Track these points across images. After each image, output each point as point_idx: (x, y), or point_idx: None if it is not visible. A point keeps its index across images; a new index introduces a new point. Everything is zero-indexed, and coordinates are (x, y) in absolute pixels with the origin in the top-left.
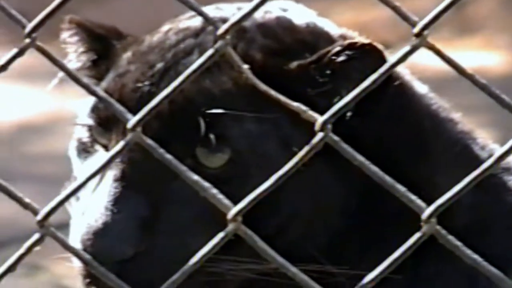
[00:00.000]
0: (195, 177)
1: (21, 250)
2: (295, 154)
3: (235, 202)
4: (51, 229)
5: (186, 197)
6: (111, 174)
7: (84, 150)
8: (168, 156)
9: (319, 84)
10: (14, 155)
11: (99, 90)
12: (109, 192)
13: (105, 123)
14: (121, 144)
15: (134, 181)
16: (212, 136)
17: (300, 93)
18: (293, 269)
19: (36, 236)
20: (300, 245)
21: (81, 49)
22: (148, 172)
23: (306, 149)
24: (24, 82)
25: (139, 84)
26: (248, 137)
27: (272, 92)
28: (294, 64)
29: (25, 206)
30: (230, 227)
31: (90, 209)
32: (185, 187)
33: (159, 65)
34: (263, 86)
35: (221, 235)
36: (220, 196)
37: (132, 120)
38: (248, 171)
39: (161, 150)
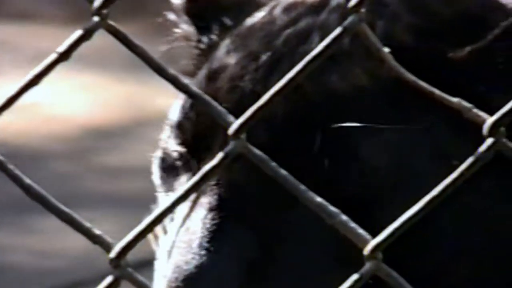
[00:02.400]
0: (318, 199)
1: None
2: (455, 168)
3: (373, 235)
4: (128, 269)
5: (307, 231)
6: (206, 201)
7: (172, 169)
8: (283, 172)
9: (496, 76)
10: (82, 168)
11: (191, 85)
12: (204, 225)
13: (194, 143)
14: (220, 155)
15: (237, 211)
16: (326, 162)
17: (467, 90)
18: None
19: (109, 279)
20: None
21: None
22: (254, 199)
23: (469, 160)
24: (93, 72)
25: (239, 83)
26: (387, 151)
27: (424, 85)
28: (464, 50)
29: (94, 239)
30: (368, 266)
31: (178, 247)
32: (306, 218)
33: (265, 57)
34: (411, 77)
35: (354, 277)
36: (353, 225)
37: (235, 123)
38: (388, 194)
39: (274, 164)
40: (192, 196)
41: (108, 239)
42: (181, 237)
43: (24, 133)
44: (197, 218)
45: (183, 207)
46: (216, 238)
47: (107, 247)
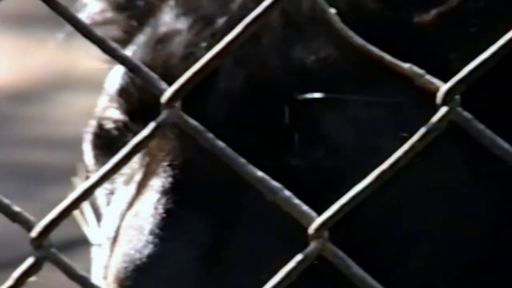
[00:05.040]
0: (259, 173)
1: (10, 281)
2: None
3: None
4: (52, 250)
5: (262, 214)
6: (157, 184)
7: (109, 144)
8: (220, 144)
9: (468, 42)
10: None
11: (118, 48)
12: (156, 210)
13: (138, 113)
14: (152, 125)
15: (191, 194)
16: (296, 135)
17: (438, 58)
18: None
19: (30, 260)
20: (424, 279)
21: None
22: (209, 181)
23: (421, 131)
24: (15, 32)
25: (193, 49)
26: (352, 127)
27: (374, 49)
28: (430, 14)
29: (14, 217)
30: (312, 245)
31: (126, 234)
32: (261, 201)
33: (221, 21)
34: (360, 41)
35: (298, 257)
36: (297, 201)
37: (168, 91)
38: (349, 174)
39: (210, 135)
40: (138, 177)
41: (29, 216)
42: (129, 222)
43: None
44: (147, 202)
45: (128, 190)
46: (169, 224)
47: (28, 226)
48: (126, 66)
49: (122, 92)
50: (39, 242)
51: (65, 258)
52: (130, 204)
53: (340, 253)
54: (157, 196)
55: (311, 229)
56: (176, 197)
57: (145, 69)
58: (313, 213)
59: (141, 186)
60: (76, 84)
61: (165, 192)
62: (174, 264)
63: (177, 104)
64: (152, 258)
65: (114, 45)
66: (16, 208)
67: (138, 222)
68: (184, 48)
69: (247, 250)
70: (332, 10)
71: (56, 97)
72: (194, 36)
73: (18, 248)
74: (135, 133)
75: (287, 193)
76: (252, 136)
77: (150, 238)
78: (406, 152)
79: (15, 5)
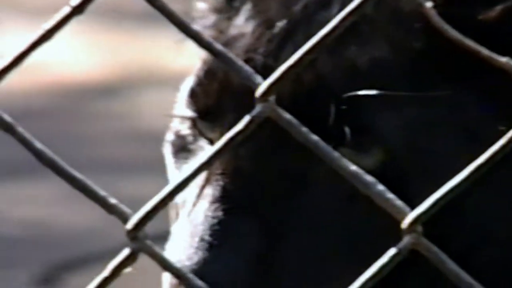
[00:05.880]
0: (353, 167)
1: (106, 272)
2: (486, 148)
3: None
4: (147, 242)
5: (314, 218)
6: (209, 193)
7: (184, 147)
8: (314, 138)
9: None
10: (95, 131)
11: (215, 43)
12: (206, 218)
13: (208, 112)
14: (246, 119)
15: (241, 201)
16: (347, 130)
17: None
18: None
19: (125, 251)
20: (496, 272)
21: None
22: (260, 187)
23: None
24: (107, 27)
25: (253, 55)
26: (408, 128)
27: (470, 43)
28: (495, 10)
29: (110, 209)
30: (406, 240)
31: (180, 241)
32: (313, 205)
33: (280, 25)
34: (456, 34)
35: (392, 252)
36: (391, 196)
37: (263, 84)
38: (411, 176)
39: (305, 129)
40: (199, 183)
41: (125, 208)
42: (183, 229)
43: (33, 94)
44: (199, 210)
45: (193, 195)
46: (219, 232)
47: (124, 218)
48: (222, 60)
49: (192, 93)
50: (135, 233)
51: (160, 250)
52: (189, 211)
53: (434, 248)
54: (207, 204)
55: (405, 224)
56: (225, 205)
57: (241, 62)
58: (407, 208)
59: (198, 195)
60: (166, 79)
61: (215, 201)
62: (224, 270)
63: (271, 98)
64: (201, 264)
65: (210, 39)
66: (112, 200)
67: (190, 229)
68: (244, 53)
69: (297, 256)
70: (429, 4)
71: (146, 92)
72: (255, 40)
73: (111, 239)
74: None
75: (381, 187)
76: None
77: (200, 245)
78: (503, 146)
79: (109, 0)
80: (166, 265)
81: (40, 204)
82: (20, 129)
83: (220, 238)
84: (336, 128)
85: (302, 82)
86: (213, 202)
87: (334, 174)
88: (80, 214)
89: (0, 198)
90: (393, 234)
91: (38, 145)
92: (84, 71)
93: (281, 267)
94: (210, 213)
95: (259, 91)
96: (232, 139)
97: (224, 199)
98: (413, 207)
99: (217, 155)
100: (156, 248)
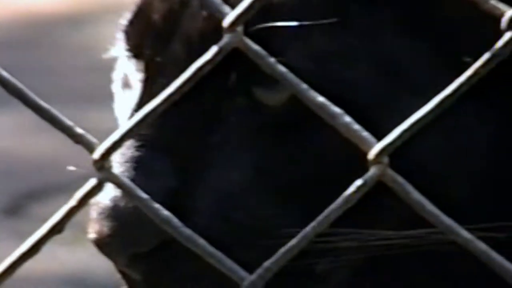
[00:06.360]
0: (320, 98)
1: (72, 202)
2: (467, 66)
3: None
4: (113, 172)
5: (228, 155)
6: None
7: (127, 84)
8: (282, 69)
9: None
10: (58, 61)
11: None
12: (122, 155)
13: (136, 51)
14: (214, 50)
15: (157, 139)
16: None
17: None
18: (465, 233)
19: (92, 182)
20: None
21: None
22: (176, 124)
23: (485, 57)
24: None
25: None
26: (318, 59)
27: None
28: None
29: (76, 138)
30: (372, 171)
31: None
32: (226, 142)
33: None
34: None
35: (358, 183)
36: (357, 127)
37: (231, 14)
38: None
39: (272, 60)
40: None
41: (92, 138)
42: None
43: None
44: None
45: None
46: (134, 169)
47: (91, 148)
48: None
49: (124, 33)
50: (101, 163)
51: (127, 180)
52: None
53: (400, 178)
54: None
55: (371, 155)
56: (140, 142)
57: None
58: (373, 139)
59: None
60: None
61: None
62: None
63: (239, 28)
64: (113, 202)
65: None
66: (79, 130)
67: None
68: None
69: (212, 191)
70: None
71: (106, 22)
72: None
73: (76, 169)
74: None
75: (348, 118)
76: (223, 76)
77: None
78: (469, 78)
79: None
80: (133, 195)
81: (5, 134)
82: None
83: (134, 176)
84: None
85: (212, 18)
86: (131, 140)
87: (245, 108)
88: (45, 144)
89: None
90: (300, 167)
91: (4, 74)
92: (48, 2)
93: (195, 203)
94: (125, 151)
95: (226, 21)
96: (200, 69)
97: (140, 137)
98: (321, 137)
99: (185, 85)
100: (123, 178)
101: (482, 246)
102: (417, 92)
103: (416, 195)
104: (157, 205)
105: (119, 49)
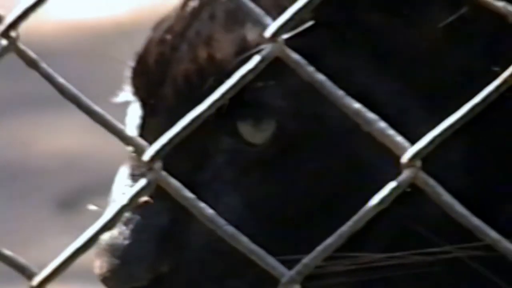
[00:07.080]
0: (357, 105)
1: (123, 201)
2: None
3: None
4: (163, 173)
5: (218, 192)
6: (126, 171)
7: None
8: (320, 77)
9: None
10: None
11: None
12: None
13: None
14: (256, 59)
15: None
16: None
17: None
18: (493, 234)
19: (142, 182)
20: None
21: None
22: (168, 165)
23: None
24: None
25: (167, 36)
26: (292, 96)
27: None
28: None
29: (127, 141)
30: (405, 174)
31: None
32: (216, 178)
33: (193, 2)
34: None
35: (392, 185)
36: (391, 132)
37: (273, 25)
38: (301, 143)
39: (311, 68)
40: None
41: (142, 141)
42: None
43: (51, 35)
44: (119, 186)
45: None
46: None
47: (141, 150)
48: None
49: (130, 75)
50: (151, 165)
51: (175, 181)
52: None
53: (432, 181)
54: (124, 181)
55: (405, 158)
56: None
57: (251, 4)
58: (407, 143)
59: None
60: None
61: (127, 177)
62: (137, 249)
63: (281, 38)
64: (118, 240)
65: None
66: (130, 133)
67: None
68: (163, 33)
69: (201, 228)
70: None
71: None
72: (173, 21)
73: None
74: None
75: (383, 124)
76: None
77: (124, 222)
78: (498, 87)
79: None
80: (180, 196)
81: (64, 133)
82: (44, 65)
83: (132, 220)
84: (234, 104)
85: (196, 60)
86: (127, 177)
87: (231, 148)
88: (101, 143)
89: (26, 130)
90: (288, 198)
91: (61, 80)
92: (111, 14)
93: (187, 242)
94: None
95: (268, 32)
96: (243, 77)
97: (132, 176)
98: (305, 170)
99: (229, 91)
100: (171, 179)
101: (511, 246)
102: (389, 122)
103: (446, 197)
104: (202, 204)
105: (127, 93)
